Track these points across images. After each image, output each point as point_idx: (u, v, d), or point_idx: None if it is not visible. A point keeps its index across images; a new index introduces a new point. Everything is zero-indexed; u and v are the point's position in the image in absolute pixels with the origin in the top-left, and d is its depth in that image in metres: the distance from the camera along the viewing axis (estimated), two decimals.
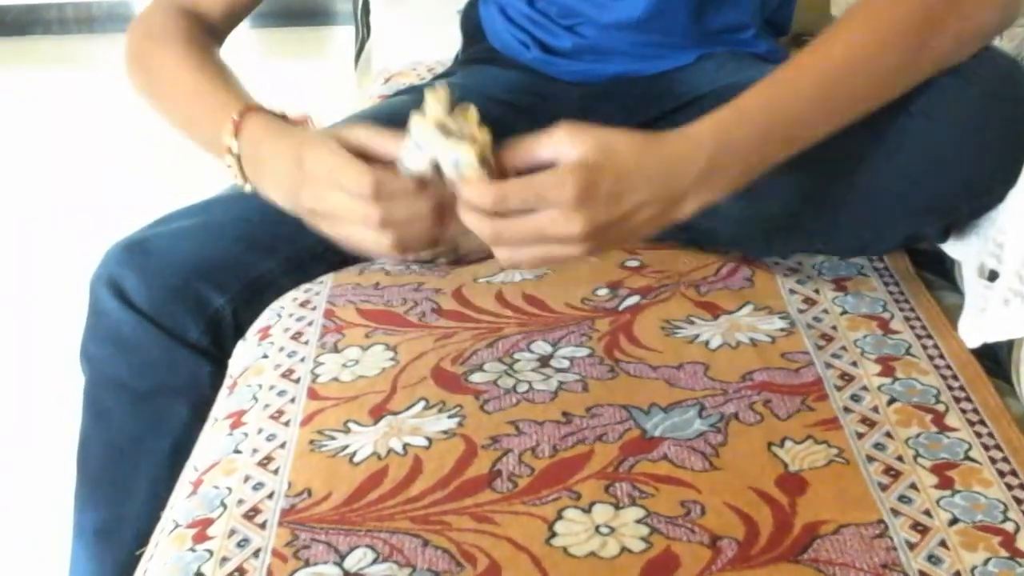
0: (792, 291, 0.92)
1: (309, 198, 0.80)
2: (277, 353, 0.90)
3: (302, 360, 0.89)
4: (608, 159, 0.74)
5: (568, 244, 0.75)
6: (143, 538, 0.89)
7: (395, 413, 0.80)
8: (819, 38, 0.81)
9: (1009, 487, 0.71)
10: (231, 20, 1.04)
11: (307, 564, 0.67)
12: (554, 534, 0.68)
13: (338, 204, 0.78)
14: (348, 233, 0.79)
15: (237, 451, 0.80)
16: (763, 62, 1.08)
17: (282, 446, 0.79)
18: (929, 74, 0.81)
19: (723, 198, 0.77)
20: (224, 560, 0.69)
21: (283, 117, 0.87)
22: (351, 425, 0.79)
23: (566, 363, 0.84)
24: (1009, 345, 0.83)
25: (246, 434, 0.81)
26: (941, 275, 0.97)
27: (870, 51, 0.80)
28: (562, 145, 0.75)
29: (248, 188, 0.88)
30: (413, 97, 1.17)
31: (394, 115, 1.12)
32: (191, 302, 0.97)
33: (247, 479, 0.76)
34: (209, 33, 1.00)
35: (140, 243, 0.99)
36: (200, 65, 0.94)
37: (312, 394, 0.84)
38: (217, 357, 0.98)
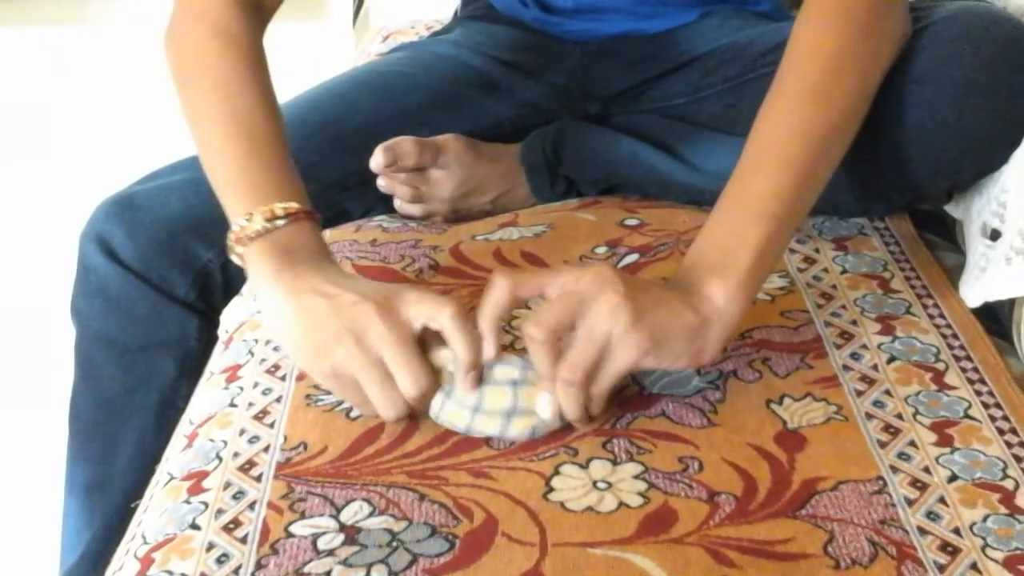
0: (792, 250, 0.92)
1: (344, 356, 0.71)
2: None
3: None
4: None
5: (618, 331, 0.68)
6: (131, 491, 0.89)
7: None
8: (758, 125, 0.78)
9: (1008, 445, 0.70)
10: None
11: (303, 516, 0.67)
12: (551, 489, 0.68)
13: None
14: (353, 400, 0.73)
15: (232, 405, 0.79)
16: (765, 20, 1.07)
17: (278, 400, 0.78)
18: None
19: (750, 278, 0.72)
20: (220, 512, 0.69)
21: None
22: None
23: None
24: (1010, 304, 0.82)
25: (241, 388, 0.81)
26: (942, 235, 0.97)
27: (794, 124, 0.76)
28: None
29: (237, 258, 0.78)
30: (408, 54, 1.16)
31: (391, 75, 1.12)
32: (179, 257, 0.96)
33: (242, 432, 0.76)
34: (261, 21, 0.89)
35: (128, 199, 0.98)
36: (259, 103, 0.82)
37: None
38: (205, 312, 0.98)
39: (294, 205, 0.77)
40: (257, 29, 0.88)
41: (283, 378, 0.81)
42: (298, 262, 0.75)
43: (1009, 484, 0.67)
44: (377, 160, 0.98)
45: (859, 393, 0.75)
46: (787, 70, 0.79)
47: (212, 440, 0.76)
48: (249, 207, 0.77)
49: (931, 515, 0.65)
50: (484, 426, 0.72)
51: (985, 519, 0.65)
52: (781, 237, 0.75)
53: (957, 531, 0.64)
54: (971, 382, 0.76)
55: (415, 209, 1.03)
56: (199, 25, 0.87)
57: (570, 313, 0.69)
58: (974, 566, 0.62)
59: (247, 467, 0.72)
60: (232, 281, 0.98)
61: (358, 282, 0.75)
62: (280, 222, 0.76)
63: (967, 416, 0.73)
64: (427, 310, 0.71)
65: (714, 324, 0.71)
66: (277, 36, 0.99)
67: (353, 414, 0.75)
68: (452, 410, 0.72)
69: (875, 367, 0.77)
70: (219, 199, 0.80)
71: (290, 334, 0.74)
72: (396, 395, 0.71)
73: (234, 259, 0.78)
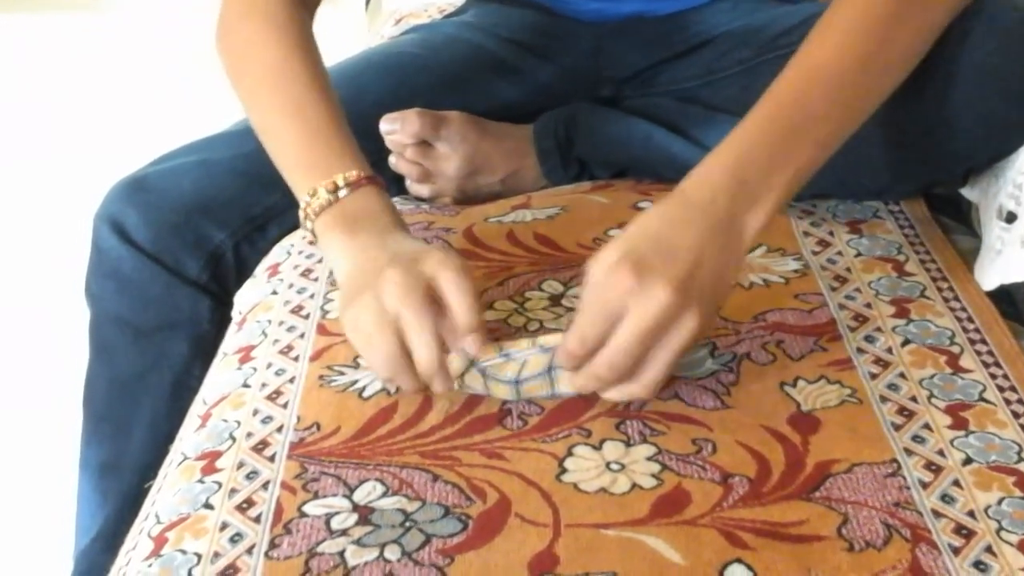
0: (806, 233, 0.91)
1: (366, 317, 0.72)
2: (287, 289, 0.90)
3: (311, 296, 0.88)
4: (630, 237, 0.70)
5: (667, 321, 0.68)
6: (144, 472, 0.89)
7: None
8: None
9: None
10: None
11: (316, 496, 0.67)
12: (564, 470, 0.68)
13: (386, 352, 0.71)
14: (368, 360, 0.75)
15: (246, 385, 0.79)
16: (780, 2, 1.07)
17: (291, 381, 0.78)
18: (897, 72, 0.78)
19: (780, 205, 0.72)
20: (233, 491, 0.69)
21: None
22: (361, 361, 0.79)
23: (577, 302, 0.83)
24: None
25: (255, 368, 0.81)
26: (957, 219, 0.96)
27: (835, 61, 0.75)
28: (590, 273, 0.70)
29: (309, 233, 0.81)
30: (420, 35, 1.16)
31: (402, 56, 1.11)
32: (191, 238, 0.97)
33: (256, 412, 0.76)
34: (308, 10, 0.92)
35: (141, 181, 0.98)
36: (312, 84, 0.85)
37: (322, 330, 0.83)
38: (217, 293, 0.99)
39: (354, 173, 0.79)
40: (304, 17, 0.91)
41: (296, 359, 0.81)
42: (361, 229, 0.77)
43: None
44: (382, 128, 0.99)
45: (873, 376, 0.75)
46: None
47: (226, 420, 0.76)
48: (313, 183, 0.79)
49: (946, 498, 0.65)
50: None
51: (1000, 502, 0.64)
52: (816, 164, 0.74)
53: (972, 514, 0.64)
54: (986, 365, 0.76)
55: (423, 190, 1.02)
56: (248, 17, 0.90)
57: (610, 323, 0.68)
58: (989, 549, 0.61)
59: (260, 447, 0.72)
60: (244, 262, 0.98)
61: (404, 247, 0.75)
62: (343, 192, 0.79)
63: (982, 399, 0.72)
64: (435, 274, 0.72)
65: (743, 264, 0.73)
66: None
67: (366, 393, 0.75)
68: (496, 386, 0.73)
69: (889, 350, 0.77)
70: (286, 181, 0.83)
71: (345, 297, 0.76)
72: (407, 365, 0.71)
73: (307, 235, 0.81)
